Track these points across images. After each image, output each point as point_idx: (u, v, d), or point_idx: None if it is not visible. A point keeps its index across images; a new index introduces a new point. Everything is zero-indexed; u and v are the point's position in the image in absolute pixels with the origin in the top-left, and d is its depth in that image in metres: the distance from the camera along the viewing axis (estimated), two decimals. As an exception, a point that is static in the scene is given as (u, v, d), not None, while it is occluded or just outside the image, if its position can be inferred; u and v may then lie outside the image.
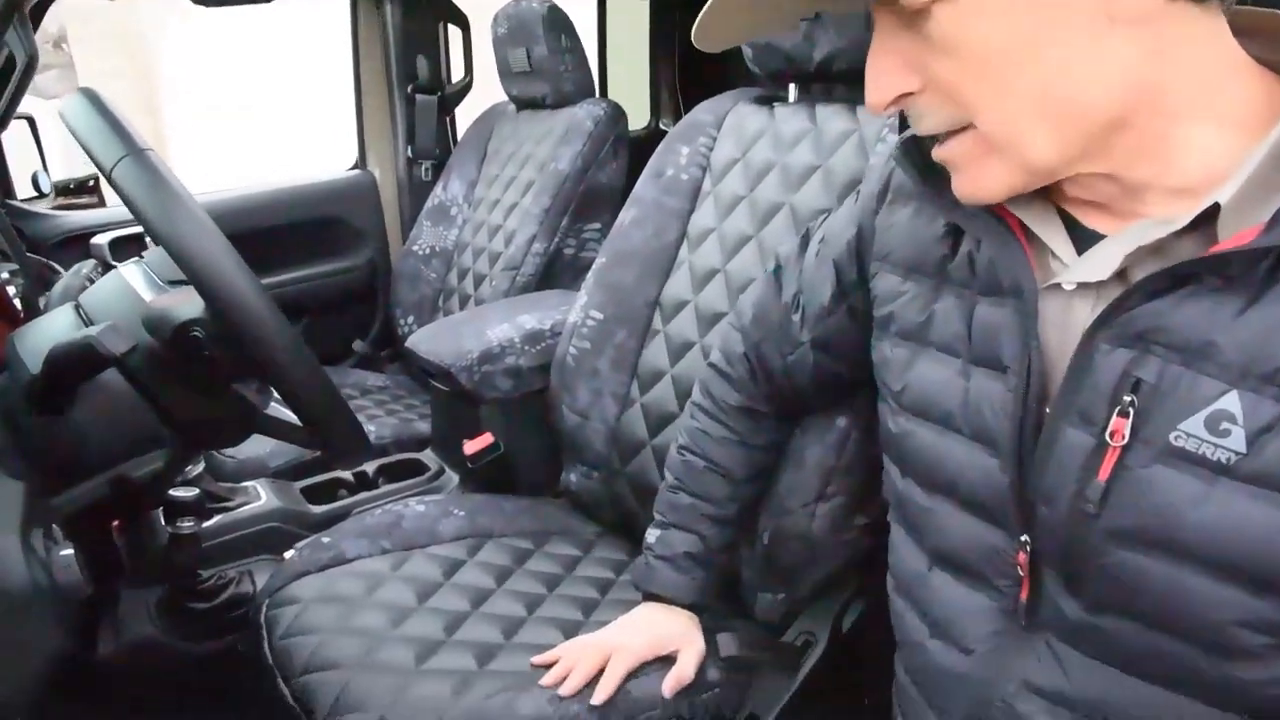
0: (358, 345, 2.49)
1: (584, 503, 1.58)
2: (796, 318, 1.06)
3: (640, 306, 1.54)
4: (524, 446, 1.70)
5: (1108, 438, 0.66)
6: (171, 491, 1.44)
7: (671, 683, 1.13)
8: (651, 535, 1.21)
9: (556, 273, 2.11)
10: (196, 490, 1.46)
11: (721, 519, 1.19)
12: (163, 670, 1.45)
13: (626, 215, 1.63)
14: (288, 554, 1.44)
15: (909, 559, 0.86)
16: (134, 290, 0.95)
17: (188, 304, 0.90)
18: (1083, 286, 0.70)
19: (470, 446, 1.64)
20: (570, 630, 1.25)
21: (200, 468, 1.55)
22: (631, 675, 1.13)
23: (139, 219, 0.86)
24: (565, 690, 1.09)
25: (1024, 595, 0.74)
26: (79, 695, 1.41)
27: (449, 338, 1.70)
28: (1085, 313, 0.69)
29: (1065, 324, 0.71)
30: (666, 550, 1.18)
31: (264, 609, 1.31)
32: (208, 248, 0.84)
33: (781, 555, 1.25)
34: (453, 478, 1.79)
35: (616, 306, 1.56)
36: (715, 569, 1.20)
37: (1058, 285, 0.71)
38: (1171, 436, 0.63)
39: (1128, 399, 0.65)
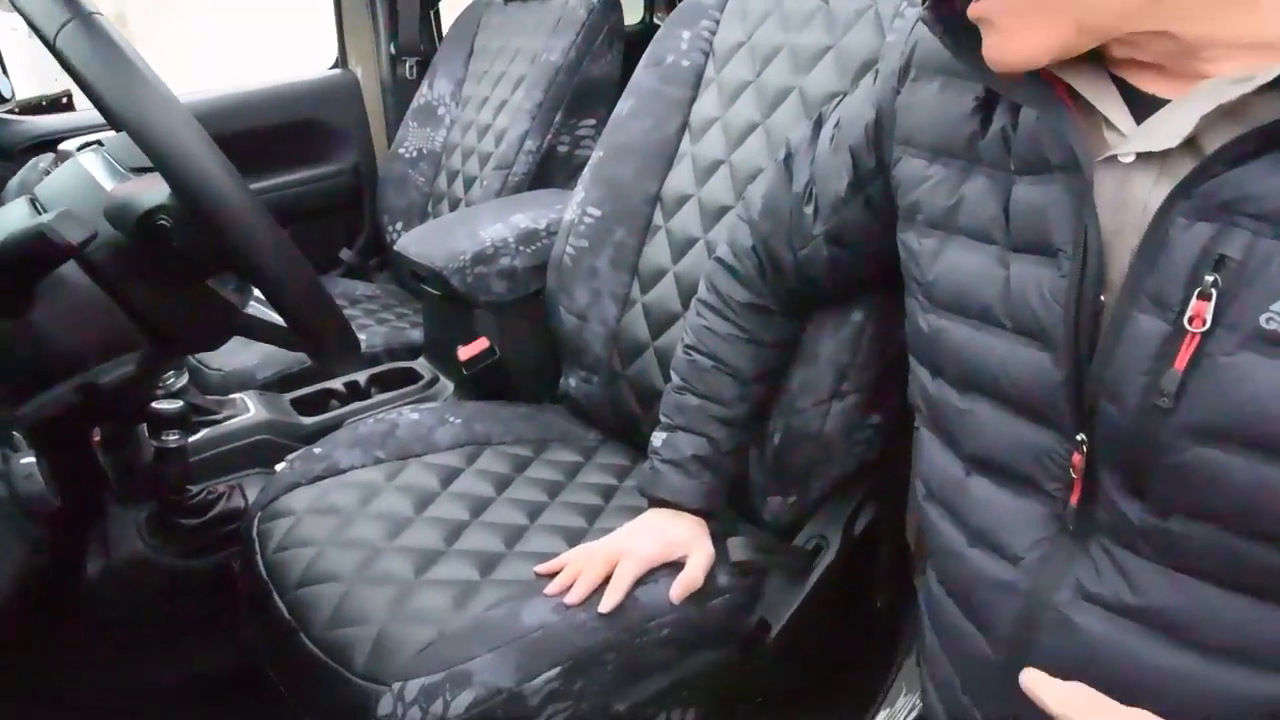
0: (345, 254, 2.40)
1: (584, 408, 1.53)
2: (809, 209, 0.99)
3: (640, 202, 1.46)
4: (520, 351, 1.63)
5: (1186, 323, 0.60)
6: (154, 404, 1.39)
7: (680, 588, 1.09)
8: (657, 439, 1.16)
9: (550, 172, 2.01)
10: (180, 403, 1.40)
11: (730, 420, 1.13)
12: (153, 588, 1.41)
13: (624, 106, 1.54)
14: (279, 467, 1.39)
15: (943, 465, 0.80)
16: (93, 178, 0.87)
17: (152, 190, 0.82)
18: (1142, 159, 0.63)
19: (465, 352, 1.58)
20: (574, 537, 1.20)
21: (184, 380, 1.48)
22: (639, 582, 1.09)
23: (88, 94, 0.78)
24: (571, 598, 1.05)
25: (1075, 499, 0.69)
26: (68, 616, 1.37)
27: (440, 239, 1.63)
28: (1146, 187, 0.63)
29: (1123, 201, 0.64)
30: (673, 454, 1.13)
31: (256, 523, 1.26)
32: (168, 121, 0.76)
33: (792, 456, 1.20)
34: (447, 386, 1.73)
35: (615, 202, 1.48)
36: (724, 472, 1.15)
37: (1112, 159, 0.64)
38: (1262, 319, 0.57)
39: (1209, 279, 0.59)
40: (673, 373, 1.17)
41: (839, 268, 1.01)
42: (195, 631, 1.43)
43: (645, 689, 1.09)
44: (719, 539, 1.16)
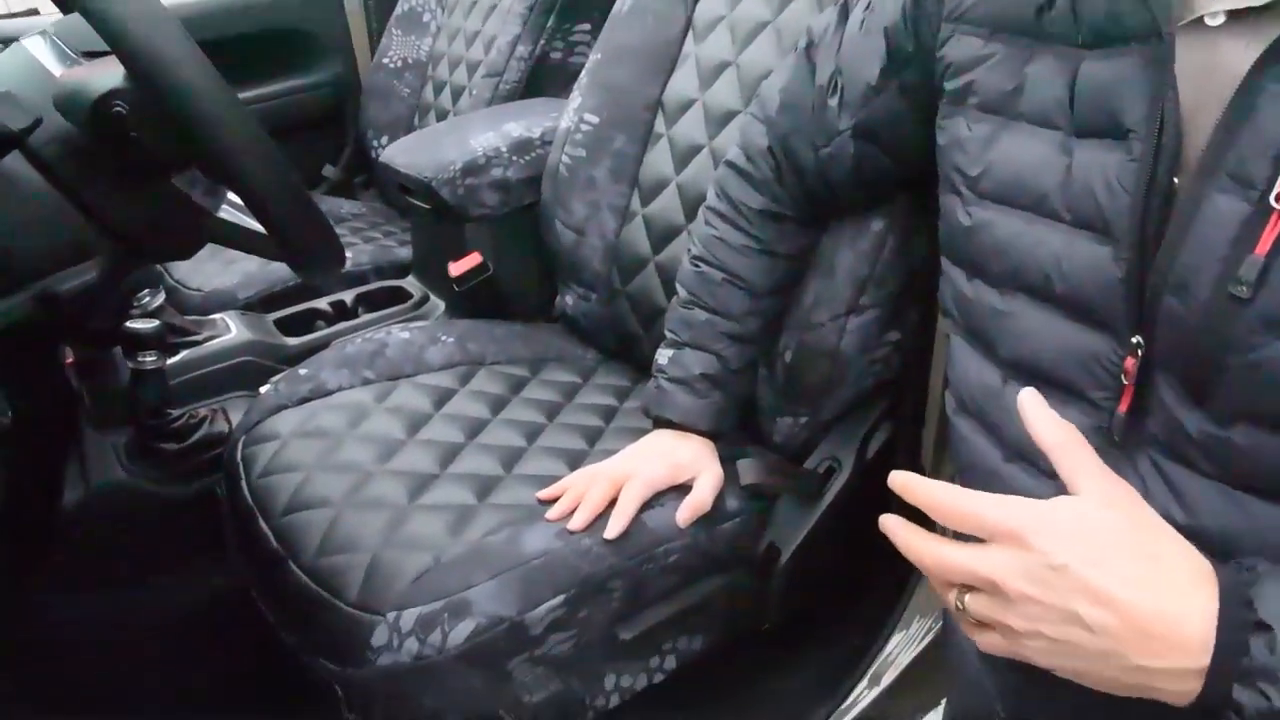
0: (328, 171, 2.30)
1: (581, 327, 1.46)
2: (834, 102, 0.91)
3: (640, 108, 1.37)
4: (514, 268, 1.56)
5: (1272, 200, 0.53)
6: (129, 324, 1.31)
7: (688, 511, 1.04)
8: (663, 356, 1.10)
9: (543, 80, 1.90)
10: (156, 323, 1.33)
11: (741, 336, 1.07)
12: (134, 516, 1.36)
13: (622, 5, 1.45)
14: (263, 389, 1.32)
15: (977, 374, 0.74)
16: (39, 63, 0.78)
17: (107, 74, 0.73)
18: (1232, 22, 0.55)
19: (456, 268, 1.50)
20: (575, 459, 1.15)
21: (160, 299, 1.40)
22: (646, 506, 1.04)
23: None
24: (575, 524, 1.00)
25: (1124, 409, 0.63)
26: (45, 545, 1.31)
27: (428, 149, 1.54)
28: (1235, 54, 0.55)
29: (1207, 70, 0.57)
30: (680, 372, 1.07)
31: (240, 447, 1.20)
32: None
33: (805, 374, 1.13)
34: (438, 305, 1.66)
35: (614, 109, 1.39)
36: (733, 392, 1.10)
37: (1196, 23, 0.56)
38: None
39: None
40: (679, 286, 1.10)
41: (865, 167, 0.94)
42: (180, 561, 1.38)
43: (652, 617, 1.05)
44: (727, 461, 1.11)
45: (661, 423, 1.09)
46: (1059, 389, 0.67)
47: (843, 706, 1.19)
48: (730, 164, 1.06)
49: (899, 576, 1.23)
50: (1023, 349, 0.69)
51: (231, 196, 0.90)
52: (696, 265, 1.08)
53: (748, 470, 1.11)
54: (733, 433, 1.13)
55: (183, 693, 1.28)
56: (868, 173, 0.95)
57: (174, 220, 0.84)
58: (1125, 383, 0.62)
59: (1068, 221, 0.64)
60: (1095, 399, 0.64)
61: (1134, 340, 0.61)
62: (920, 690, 1.19)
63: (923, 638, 1.19)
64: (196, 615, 1.37)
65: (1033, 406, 0.60)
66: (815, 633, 1.26)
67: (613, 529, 0.99)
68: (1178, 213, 0.57)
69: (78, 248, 0.79)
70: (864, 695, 1.19)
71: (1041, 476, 0.68)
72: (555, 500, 1.03)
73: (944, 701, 1.16)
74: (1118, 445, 0.63)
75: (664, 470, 1.05)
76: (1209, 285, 0.56)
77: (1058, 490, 0.65)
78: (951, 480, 0.82)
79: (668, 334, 1.10)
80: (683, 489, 1.06)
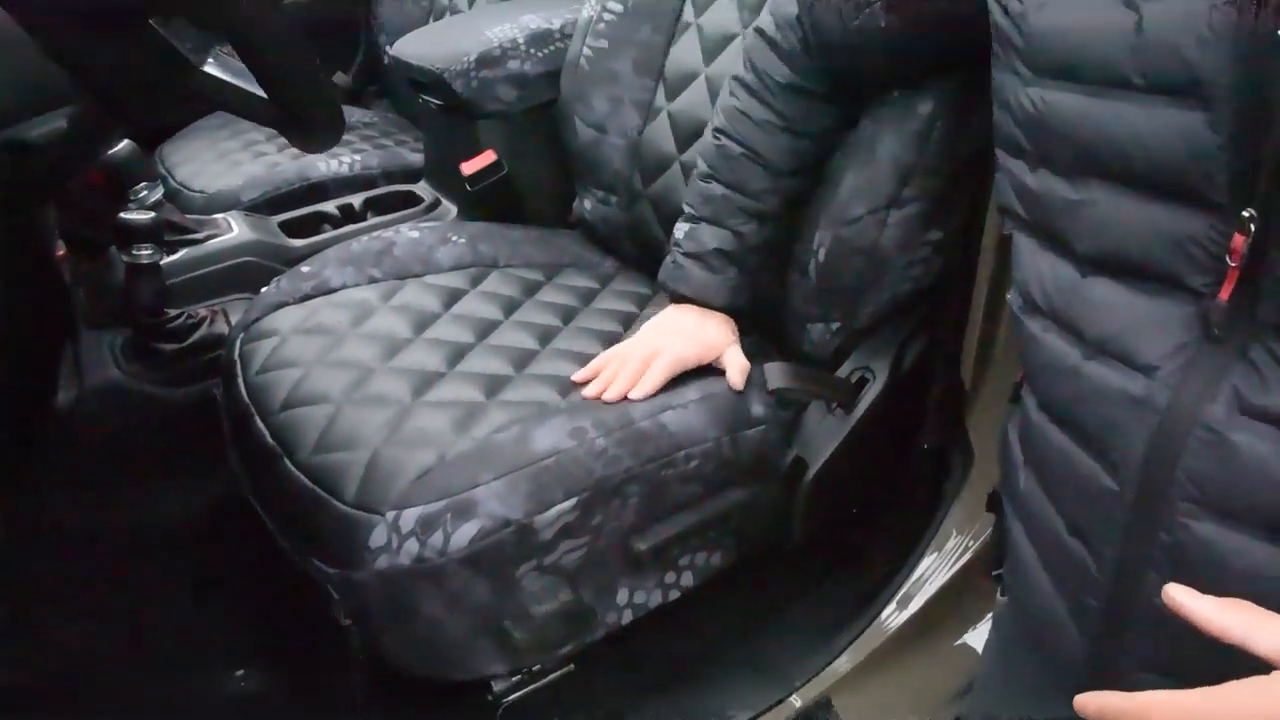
0: (339, 78, 2.21)
1: (600, 233, 1.38)
2: None
3: (668, -6, 1.28)
4: (530, 170, 1.48)
5: None
6: (123, 215, 1.25)
7: (738, 374, 1.03)
8: (680, 230, 1.07)
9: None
10: (152, 214, 1.27)
11: (758, 213, 1.03)
12: (130, 418, 1.31)
13: (650, -117, 1.34)
14: (265, 289, 1.26)
15: (1049, 270, 0.65)
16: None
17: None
18: None
19: (469, 166, 1.43)
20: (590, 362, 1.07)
21: (158, 193, 1.34)
22: (667, 408, 0.97)
23: None
24: (609, 395, 0.98)
25: (1225, 294, 0.54)
26: (39, 446, 1.26)
27: (441, 41, 1.45)
28: None
29: None
30: (696, 247, 1.04)
31: (238, 343, 1.15)
32: None
33: (840, 275, 1.05)
34: (450, 209, 1.58)
35: (639, -5, 1.30)
36: (749, 268, 1.06)
37: None
38: None
39: None
40: (699, 159, 1.06)
41: (896, 43, 0.87)
42: (178, 465, 1.33)
43: (669, 528, 0.99)
44: (754, 362, 1.04)
45: (678, 298, 1.06)
46: (1151, 279, 0.58)
47: (869, 630, 1.13)
48: (759, 31, 0.99)
49: (932, 493, 1.16)
50: (1104, 240, 0.60)
51: (224, 55, 0.82)
52: (717, 138, 1.03)
53: (775, 375, 1.03)
54: (745, 310, 1.08)
55: (177, 596, 1.24)
56: (897, 50, 0.89)
57: (154, 72, 0.76)
58: (1230, 264, 0.53)
59: (1141, 88, 0.55)
60: (1194, 286, 0.56)
61: (1245, 214, 0.52)
62: (953, 614, 1.12)
63: (958, 557, 1.13)
64: (193, 519, 1.33)
65: (1184, 599, 0.50)
66: (842, 552, 1.20)
67: (639, 390, 0.98)
68: None
69: (48, 95, 0.71)
70: (893, 618, 1.13)
71: (1132, 372, 0.59)
72: (586, 385, 1.01)
73: (983, 625, 1.11)
74: (1225, 335, 0.55)
75: (693, 348, 1.03)
76: None
77: (1153, 387, 0.57)
78: (1017, 384, 0.75)
79: (686, 208, 1.07)
80: (705, 388, 1.01)
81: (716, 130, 1.03)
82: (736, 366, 1.03)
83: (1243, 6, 0.49)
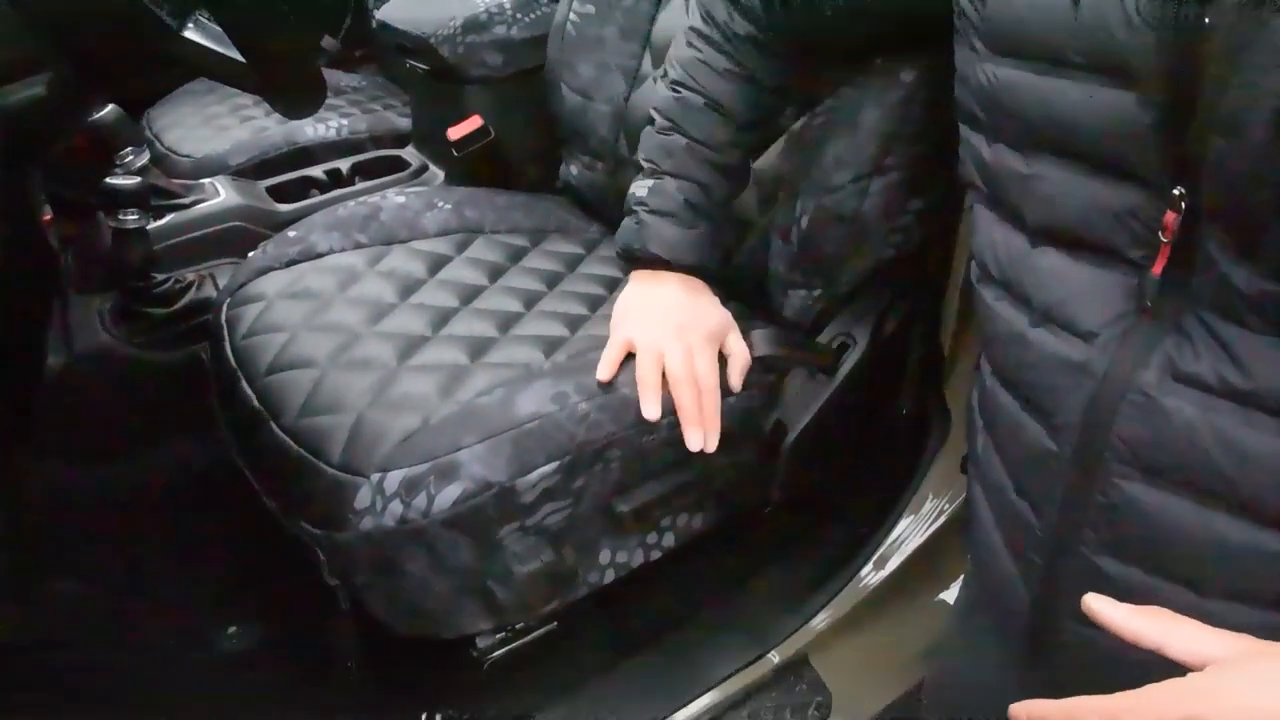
0: (327, 43, 2.19)
1: (586, 199, 1.38)
2: None
3: (654, -41, 1.27)
4: (516, 135, 1.48)
5: None
6: (109, 179, 1.25)
7: (739, 373, 1.01)
8: (640, 188, 1.01)
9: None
10: (138, 179, 1.27)
11: (723, 166, 1.00)
12: (119, 382, 1.32)
13: None
14: (252, 254, 1.26)
15: (1004, 240, 0.68)
16: None
17: None
18: None
19: (455, 131, 1.42)
20: (575, 324, 1.09)
21: (144, 158, 1.33)
22: (647, 371, 0.98)
23: None
24: (710, 446, 0.96)
25: (1158, 268, 0.56)
26: (26, 412, 1.27)
27: (428, 5, 1.44)
28: None
29: None
30: (662, 202, 0.99)
31: (224, 308, 1.15)
32: None
33: (821, 242, 1.06)
34: (437, 174, 1.58)
35: (626, -40, 1.29)
36: (719, 223, 1.03)
37: None
38: None
39: None
40: (654, 112, 1.02)
41: (860, 10, 0.86)
42: (167, 427, 1.34)
43: (651, 491, 1.00)
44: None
45: (642, 261, 1.01)
46: (1093, 251, 0.60)
47: (846, 589, 1.15)
48: None
49: (910, 457, 1.18)
50: (1051, 213, 0.62)
51: (203, 20, 0.82)
52: (676, 90, 0.99)
53: (760, 341, 1.04)
54: (713, 273, 1.05)
55: (167, 557, 1.26)
56: (857, 12, 0.86)
57: (133, 38, 0.76)
58: (1163, 240, 0.55)
59: (1080, 66, 0.56)
60: (1134, 258, 0.58)
61: (1175, 191, 0.54)
62: (928, 574, 1.15)
63: (934, 520, 1.15)
64: (181, 482, 1.34)
65: (1100, 607, 0.52)
66: (821, 514, 1.22)
67: (712, 443, 0.96)
68: (1221, 44, 0.49)
69: (25, 61, 0.72)
70: (870, 578, 1.16)
71: (1073, 338, 0.61)
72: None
73: (956, 585, 1.13)
74: (1158, 305, 0.57)
75: (718, 323, 1.01)
76: (1264, 125, 0.48)
77: (1092, 352, 0.60)
78: (976, 353, 0.77)
79: (644, 163, 1.02)
80: None
81: (674, 83, 0.99)
82: (739, 363, 1.01)
83: None
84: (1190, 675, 0.47)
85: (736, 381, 1.00)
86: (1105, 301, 0.60)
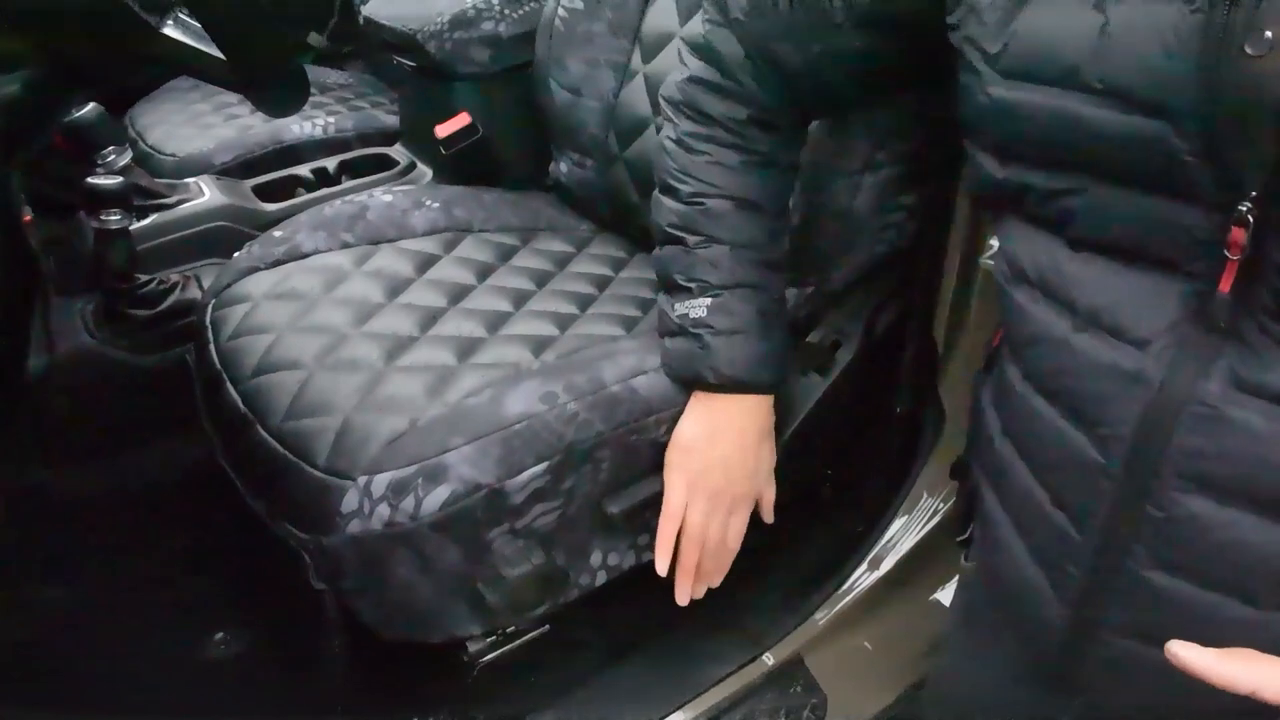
0: (313, 39, 2.16)
1: (576, 196, 1.37)
2: None
3: (643, -47, 1.26)
4: (505, 132, 1.47)
5: None
6: (90, 179, 1.23)
7: (767, 510, 1.02)
8: (695, 308, 0.91)
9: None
10: (120, 179, 1.25)
11: (773, 264, 0.93)
12: (102, 385, 1.30)
13: None
14: (237, 255, 1.25)
15: (1041, 244, 0.64)
16: None
17: None
18: None
19: (443, 129, 1.41)
20: (565, 323, 1.08)
21: (126, 158, 1.32)
22: (639, 372, 0.97)
23: None
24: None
25: (1225, 286, 0.53)
26: (8, 416, 1.25)
27: (415, 1, 1.43)
28: None
29: None
30: (731, 321, 0.90)
31: (209, 309, 1.14)
32: None
33: (814, 238, 1.05)
34: (426, 172, 1.57)
35: (614, -46, 1.28)
36: (786, 331, 0.97)
37: None
38: None
39: None
40: (668, 230, 0.93)
41: (868, 62, 0.81)
42: (151, 431, 1.32)
43: (642, 491, 0.99)
44: None
45: (708, 387, 0.92)
46: (1147, 261, 0.57)
47: (840, 590, 1.14)
48: (698, 80, 0.90)
49: (904, 456, 1.17)
50: (1095, 225, 0.59)
51: (183, 17, 0.81)
52: (699, 202, 0.90)
53: None
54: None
55: (152, 562, 1.24)
56: (870, 68, 0.82)
57: (109, 32, 0.75)
58: (1230, 257, 0.52)
59: (1101, 91, 0.54)
60: (1192, 270, 0.55)
61: (1242, 207, 0.51)
62: (923, 574, 1.14)
63: (928, 520, 1.14)
64: (166, 486, 1.32)
65: (1188, 654, 0.51)
66: (813, 515, 1.21)
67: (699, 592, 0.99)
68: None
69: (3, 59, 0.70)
70: (863, 579, 1.15)
71: (1124, 345, 0.59)
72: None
73: (951, 585, 1.12)
74: (1222, 327, 0.54)
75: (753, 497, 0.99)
76: None
77: (1146, 361, 0.57)
78: (989, 351, 0.75)
79: (687, 284, 0.91)
80: None
81: (692, 196, 0.90)
82: (768, 502, 1.00)
83: (1212, 18, 0.48)
84: None
85: (768, 516, 1.02)
86: (1158, 309, 0.57)
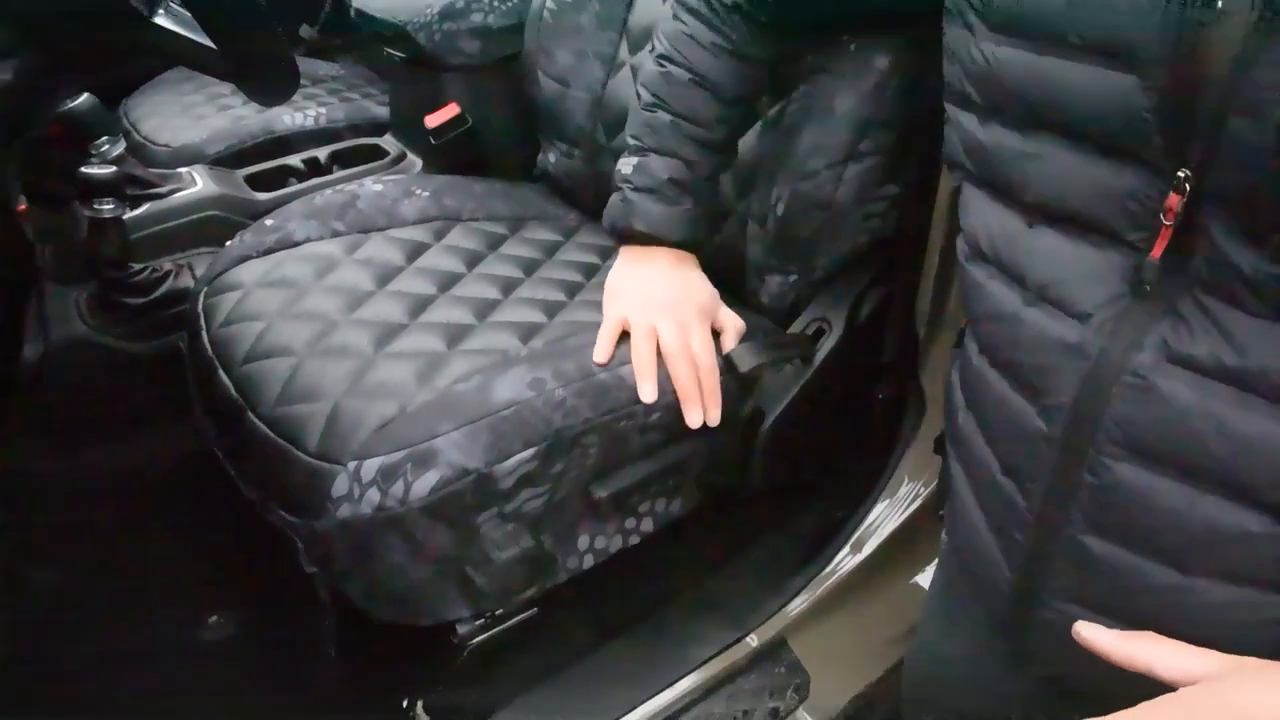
0: (305, 31, 2.17)
1: (564, 186, 1.39)
2: None
3: (630, -54, 1.27)
4: (494, 123, 1.48)
5: None
6: (84, 169, 1.24)
7: (734, 338, 1.04)
8: (626, 165, 1.02)
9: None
10: (114, 168, 1.26)
11: (709, 143, 1.01)
12: (96, 372, 1.31)
13: None
14: (229, 243, 1.26)
15: (997, 219, 0.66)
16: None
17: None
18: None
19: (433, 119, 1.42)
20: (553, 310, 1.09)
21: (120, 148, 1.33)
22: (627, 361, 0.99)
23: None
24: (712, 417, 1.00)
25: (1158, 251, 0.55)
26: (4, 401, 1.26)
27: (404, -8, 1.44)
28: None
29: None
30: (647, 179, 1.00)
31: (202, 297, 1.15)
32: None
33: (797, 227, 1.07)
34: (416, 163, 1.58)
35: (602, -54, 1.29)
36: (704, 200, 1.03)
37: None
38: None
39: None
40: (640, 88, 1.02)
41: None
42: (145, 418, 1.34)
43: (628, 476, 1.01)
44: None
45: (628, 237, 1.03)
46: (1092, 232, 0.59)
47: (823, 573, 1.16)
48: None
49: (885, 441, 1.19)
50: (1049, 191, 0.61)
51: (174, 6, 0.82)
52: (662, 65, 0.99)
53: (743, 358, 1.04)
54: (701, 244, 1.06)
55: (146, 547, 1.26)
56: None
57: (102, 23, 0.76)
58: (1165, 223, 0.54)
59: (1077, 46, 0.55)
60: (1133, 240, 0.57)
61: (1180, 174, 0.52)
62: (905, 557, 1.16)
63: (910, 503, 1.16)
64: (160, 472, 1.34)
65: (1091, 634, 0.54)
66: (797, 498, 1.23)
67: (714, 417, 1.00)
68: (1238, 24, 0.48)
69: (-6, 47, 0.71)
70: (845, 561, 1.17)
71: (1068, 319, 0.61)
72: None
73: (931, 568, 1.15)
74: (1156, 287, 0.56)
75: (708, 300, 1.03)
76: None
77: (1086, 333, 0.59)
78: (961, 330, 0.77)
79: (630, 141, 1.03)
80: None
81: (660, 57, 1.00)
82: (734, 334, 1.04)
83: None
84: (1180, 690, 0.49)
85: (733, 341, 1.03)
86: (1101, 282, 0.59)
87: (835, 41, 1.02)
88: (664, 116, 0.99)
